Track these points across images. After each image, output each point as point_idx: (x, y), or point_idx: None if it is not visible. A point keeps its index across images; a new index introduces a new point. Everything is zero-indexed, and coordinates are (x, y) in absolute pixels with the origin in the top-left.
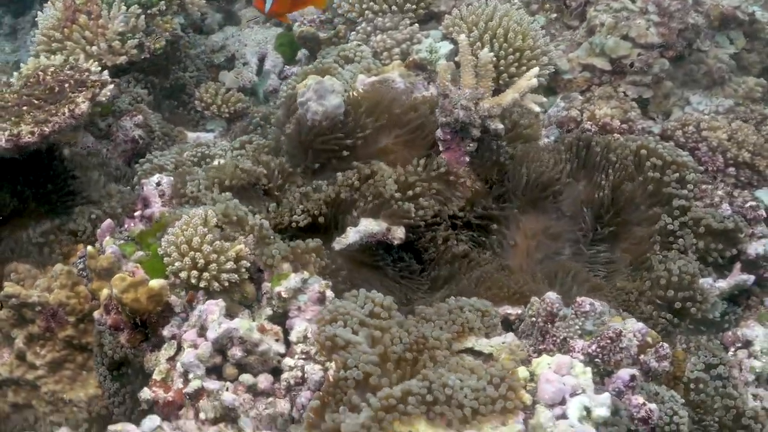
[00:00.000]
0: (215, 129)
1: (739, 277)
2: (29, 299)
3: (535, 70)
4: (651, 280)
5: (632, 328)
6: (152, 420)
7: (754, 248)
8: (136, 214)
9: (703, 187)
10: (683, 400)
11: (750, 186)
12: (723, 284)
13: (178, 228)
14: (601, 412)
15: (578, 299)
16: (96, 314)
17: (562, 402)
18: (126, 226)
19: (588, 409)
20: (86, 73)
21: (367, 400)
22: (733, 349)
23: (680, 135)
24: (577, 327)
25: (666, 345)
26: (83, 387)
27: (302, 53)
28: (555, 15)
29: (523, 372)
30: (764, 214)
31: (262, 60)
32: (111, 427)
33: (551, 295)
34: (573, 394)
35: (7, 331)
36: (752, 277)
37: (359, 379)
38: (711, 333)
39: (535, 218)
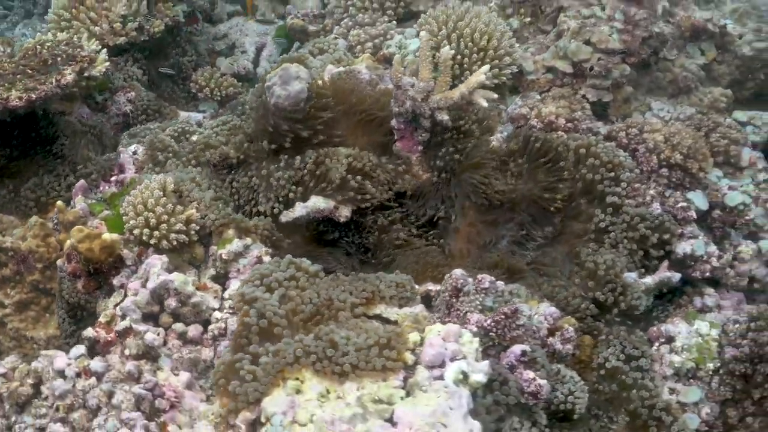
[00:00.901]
0: (207, 110)
1: (664, 274)
2: (3, 244)
3: (485, 68)
4: (579, 271)
5: (544, 311)
6: (78, 349)
7: (683, 248)
8: (113, 178)
9: (636, 186)
10: (582, 382)
11: (683, 187)
12: (649, 280)
13: (138, 191)
14: (478, 377)
15: (479, 276)
16: (59, 262)
17: (442, 365)
18: (101, 188)
19: (465, 374)
20: (78, 49)
21: (267, 349)
22: (657, 344)
23: (623, 136)
24: (478, 302)
25: (571, 329)
26: (44, 327)
27: (296, 45)
28: (529, 19)
29: (414, 336)
30: (694, 215)
31: (260, 49)
32: (43, 352)
33: (457, 272)
34: (453, 359)
35: None
36: (678, 275)
37: (263, 326)
38: (639, 327)
39: (478, 208)
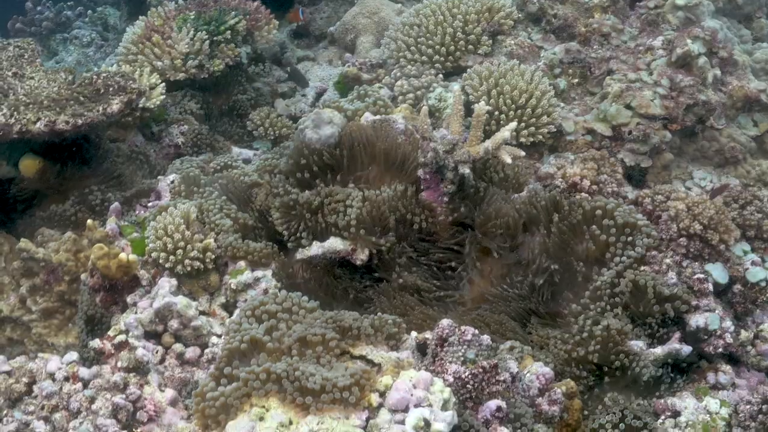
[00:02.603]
0: (260, 148)
1: (673, 345)
2: (36, 255)
3: (512, 125)
4: (584, 334)
5: (537, 371)
6: (71, 355)
7: (696, 320)
8: (149, 204)
9: (653, 253)
10: None
11: (701, 258)
12: (658, 350)
13: (162, 216)
14: (440, 426)
15: (462, 328)
16: (83, 276)
17: (406, 410)
18: (137, 212)
19: (427, 421)
20: (130, 82)
21: (238, 375)
22: (663, 417)
23: (649, 202)
24: (460, 353)
25: (558, 391)
26: (65, 336)
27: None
28: (577, 80)
29: (387, 380)
30: (711, 287)
31: (320, 94)
32: (40, 354)
33: (444, 322)
34: (417, 405)
35: (17, 279)
36: (688, 348)
37: (245, 351)
38: (648, 397)
39: (494, 262)
